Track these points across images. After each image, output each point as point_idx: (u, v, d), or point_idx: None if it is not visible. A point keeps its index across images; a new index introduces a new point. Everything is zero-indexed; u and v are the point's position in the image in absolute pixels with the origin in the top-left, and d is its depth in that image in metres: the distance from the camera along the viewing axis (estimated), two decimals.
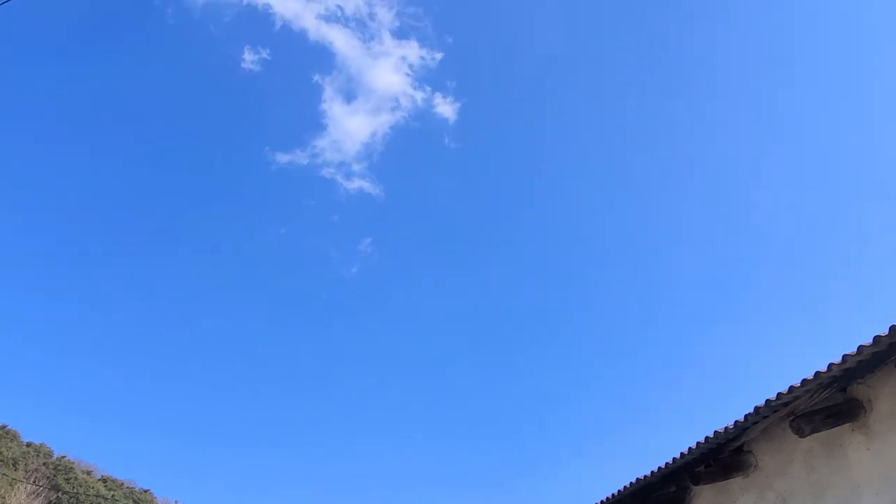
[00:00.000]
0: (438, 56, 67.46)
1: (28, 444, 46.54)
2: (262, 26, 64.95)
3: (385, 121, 67.88)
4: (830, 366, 5.40)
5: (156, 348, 74.51)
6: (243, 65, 65.68)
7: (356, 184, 67.45)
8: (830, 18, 60.83)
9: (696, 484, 7.50)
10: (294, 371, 74.90)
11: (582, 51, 65.89)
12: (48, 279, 73.08)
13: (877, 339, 5.00)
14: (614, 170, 73.28)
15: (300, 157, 69.63)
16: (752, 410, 6.18)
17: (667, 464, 7.44)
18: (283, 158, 71.61)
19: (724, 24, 64.82)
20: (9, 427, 46.13)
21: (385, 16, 65.94)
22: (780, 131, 64.79)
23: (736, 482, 7.24)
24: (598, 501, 8.88)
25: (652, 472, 7.74)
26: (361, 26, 66.01)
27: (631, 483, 8.15)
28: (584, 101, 71.37)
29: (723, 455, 7.02)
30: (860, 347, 5.13)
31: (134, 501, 48.60)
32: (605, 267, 73.12)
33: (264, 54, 65.50)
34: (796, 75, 63.38)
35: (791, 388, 5.73)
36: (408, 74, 67.26)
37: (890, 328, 4.87)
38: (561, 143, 73.12)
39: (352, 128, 68.78)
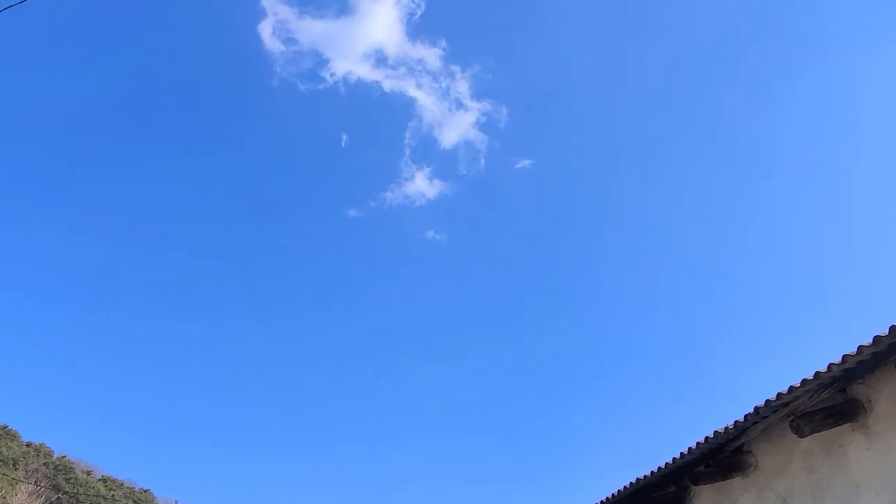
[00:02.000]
0: (509, 114, 70.88)
1: (28, 444, 46.52)
2: (352, 97, 68.72)
3: (456, 176, 71.13)
4: (830, 366, 5.40)
5: (156, 348, 74.60)
6: (342, 143, 70.51)
7: (428, 235, 69.41)
8: (833, 17, 60.86)
9: (696, 484, 7.50)
10: (297, 371, 74.98)
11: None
12: (48, 279, 73.14)
13: (877, 339, 5.00)
14: (616, 173, 73.34)
15: (374, 211, 72.45)
16: (752, 410, 6.19)
17: (667, 464, 7.44)
18: (356, 212, 74.28)
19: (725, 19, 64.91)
20: (9, 427, 46.10)
21: (461, 77, 69.67)
22: (782, 131, 64.82)
23: (736, 482, 7.24)
24: (598, 501, 8.88)
25: (652, 472, 7.74)
26: (440, 85, 69.37)
27: (631, 483, 8.16)
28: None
29: (723, 455, 7.02)
30: (860, 347, 5.13)
31: (134, 501, 48.58)
32: (606, 268, 73.16)
33: (353, 132, 71.72)
34: (800, 69, 63.42)
35: (791, 388, 5.73)
36: (480, 131, 70.20)
37: (890, 328, 4.87)
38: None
39: (424, 183, 72.66)
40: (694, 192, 69.82)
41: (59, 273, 73.60)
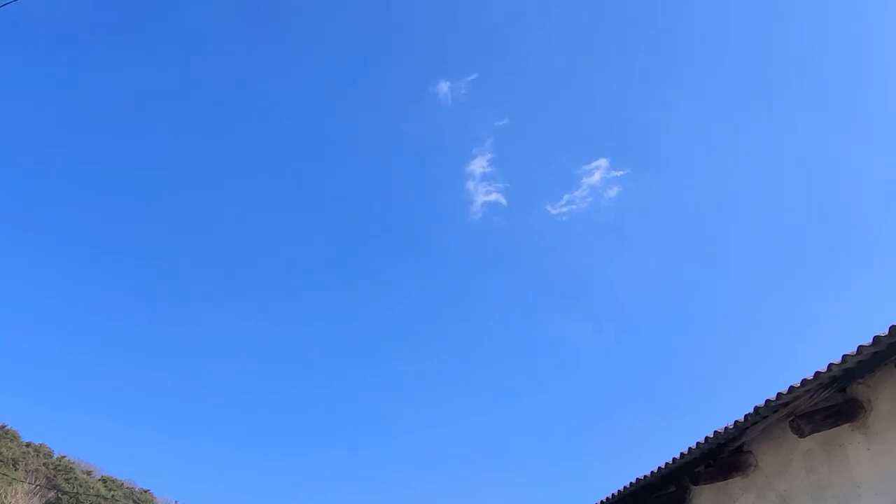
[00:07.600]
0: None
1: (28, 444, 46.51)
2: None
3: None
4: (830, 366, 5.40)
5: (157, 348, 74.63)
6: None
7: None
8: (834, 18, 60.88)
9: (696, 484, 7.50)
10: (298, 370, 75.00)
11: None
12: (48, 279, 73.18)
13: (877, 339, 5.00)
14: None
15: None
16: (752, 410, 6.18)
17: (667, 464, 7.44)
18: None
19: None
20: (9, 427, 46.11)
21: None
22: (780, 129, 64.83)
23: (736, 482, 7.23)
24: (598, 501, 8.88)
25: (652, 472, 7.74)
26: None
27: (631, 483, 8.15)
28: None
29: (723, 455, 7.02)
30: (860, 347, 5.13)
31: (134, 501, 48.60)
32: (605, 267, 73.22)
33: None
34: (799, 67, 63.43)
35: (791, 388, 5.73)
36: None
37: (890, 328, 4.87)
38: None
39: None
40: (693, 190, 69.91)
41: (59, 273, 73.73)
